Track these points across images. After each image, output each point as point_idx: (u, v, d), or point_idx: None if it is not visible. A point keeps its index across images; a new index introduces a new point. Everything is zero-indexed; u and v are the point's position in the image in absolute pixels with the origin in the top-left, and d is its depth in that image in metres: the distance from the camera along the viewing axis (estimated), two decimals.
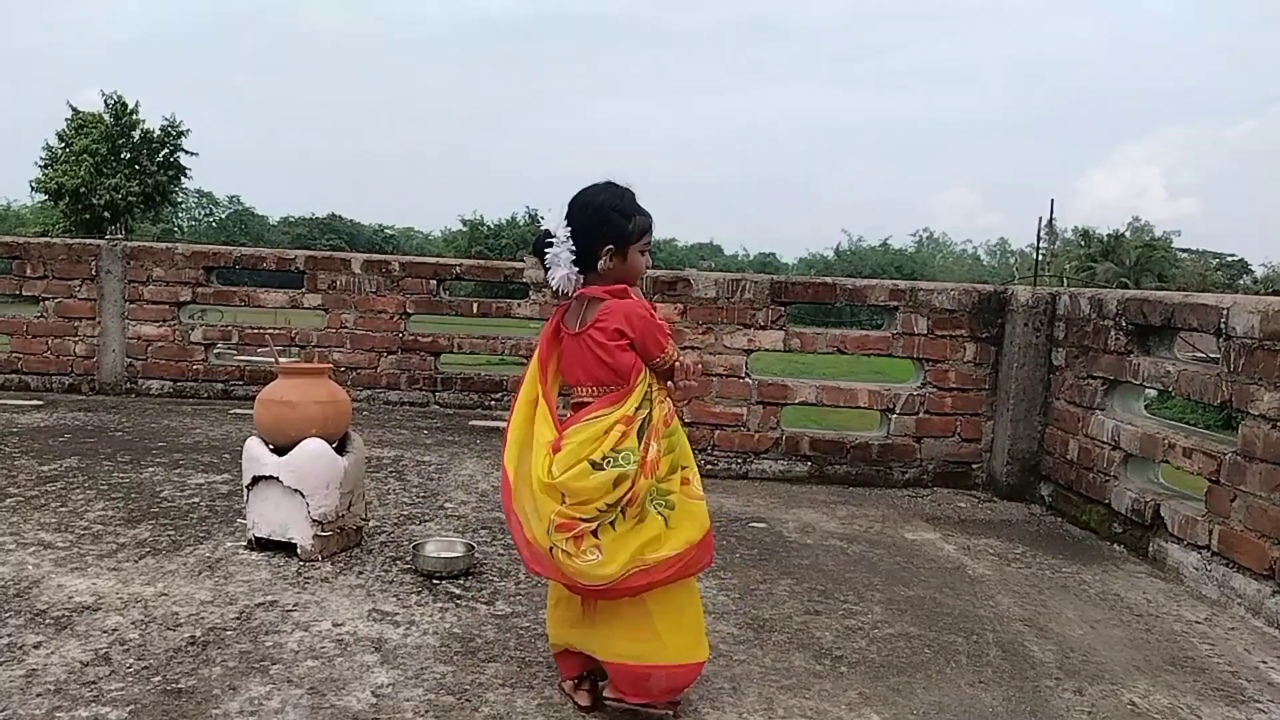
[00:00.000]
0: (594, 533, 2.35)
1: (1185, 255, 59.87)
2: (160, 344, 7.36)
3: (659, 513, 2.41)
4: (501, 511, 4.49)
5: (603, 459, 2.34)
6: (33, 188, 44.02)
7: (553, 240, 2.49)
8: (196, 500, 4.41)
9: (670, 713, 2.52)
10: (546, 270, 2.52)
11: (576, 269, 2.49)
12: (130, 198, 42.99)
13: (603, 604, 2.45)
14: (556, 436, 2.41)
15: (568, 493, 2.34)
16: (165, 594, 3.24)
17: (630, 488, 2.34)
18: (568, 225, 2.48)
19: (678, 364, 2.51)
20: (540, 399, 2.50)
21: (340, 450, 3.73)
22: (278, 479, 3.61)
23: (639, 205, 2.54)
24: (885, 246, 79.49)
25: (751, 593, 3.61)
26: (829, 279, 5.95)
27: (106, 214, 42.18)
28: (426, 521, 4.27)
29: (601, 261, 2.49)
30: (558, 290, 2.53)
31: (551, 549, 2.36)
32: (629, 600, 2.41)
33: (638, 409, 2.40)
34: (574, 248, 2.47)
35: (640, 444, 2.38)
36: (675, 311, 5.53)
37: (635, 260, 2.54)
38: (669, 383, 2.53)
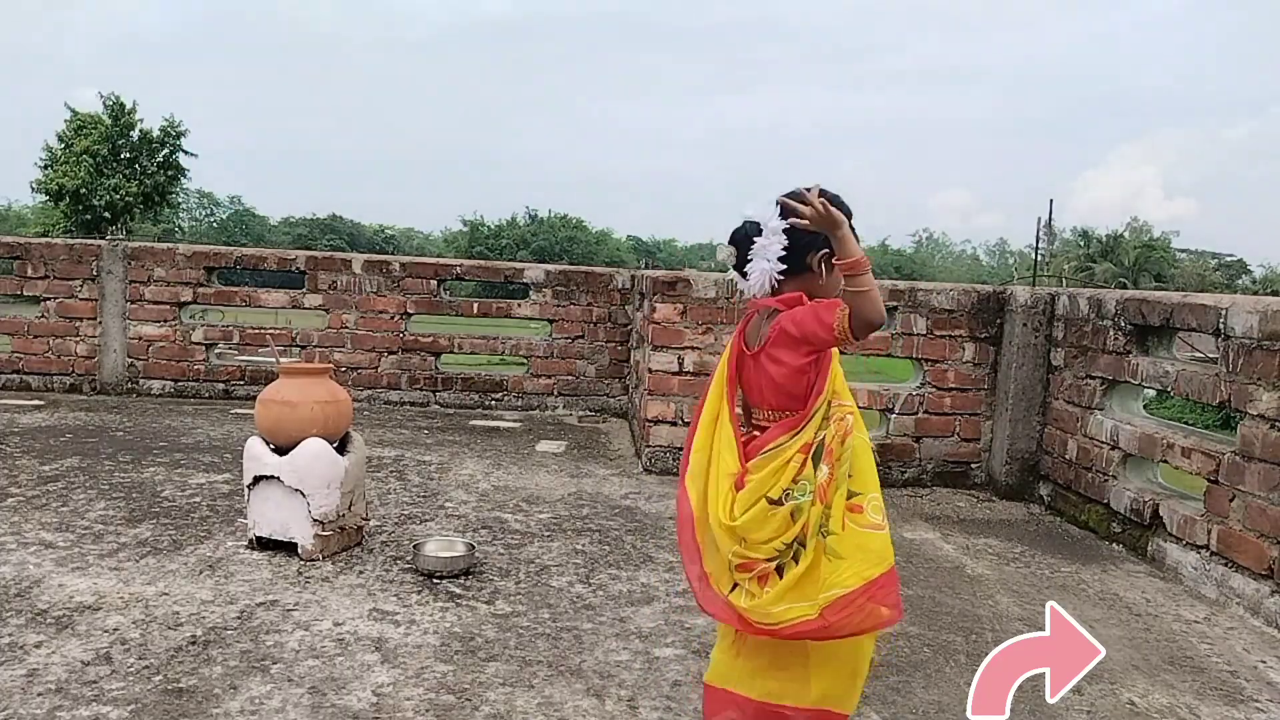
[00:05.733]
0: (778, 571, 2.12)
1: (1184, 255, 59.86)
2: (161, 344, 7.37)
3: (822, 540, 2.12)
4: (501, 511, 4.51)
5: (782, 494, 2.12)
6: (33, 189, 44.05)
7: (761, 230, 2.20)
8: (197, 500, 4.42)
9: None
10: (743, 265, 2.24)
11: (782, 266, 2.19)
12: (130, 198, 43.00)
13: (757, 639, 2.19)
14: (740, 470, 2.18)
15: (746, 535, 2.14)
16: (166, 593, 3.25)
17: (805, 519, 2.11)
18: (783, 218, 2.17)
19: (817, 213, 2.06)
20: (724, 420, 2.23)
21: (341, 450, 3.74)
22: (279, 479, 3.61)
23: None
24: (884, 247, 79.46)
25: None
26: None
27: (107, 214, 42.19)
28: (427, 521, 4.28)
29: (813, 264, 2.20)
30: (746, 290, 2.26)
31: (735, 587, 2.15)
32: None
33: (816, 432, 2.14)
34: (786, 243, 2.18)
35: (815, 470, 2.12)
36: (675, 311, 5.54)
37: (835, 281, 2.15)
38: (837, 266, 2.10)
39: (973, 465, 5.63)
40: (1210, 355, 4.28)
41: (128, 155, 44.07)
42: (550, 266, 7.89)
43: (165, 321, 7.36)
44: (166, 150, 45.31)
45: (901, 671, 2.99)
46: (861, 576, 2.06)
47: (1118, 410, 4.83)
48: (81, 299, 7.34)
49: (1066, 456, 5.10)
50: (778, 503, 2.11)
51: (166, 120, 45.26)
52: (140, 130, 44.52)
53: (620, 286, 7.60)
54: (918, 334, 5.60)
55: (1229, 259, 64.44)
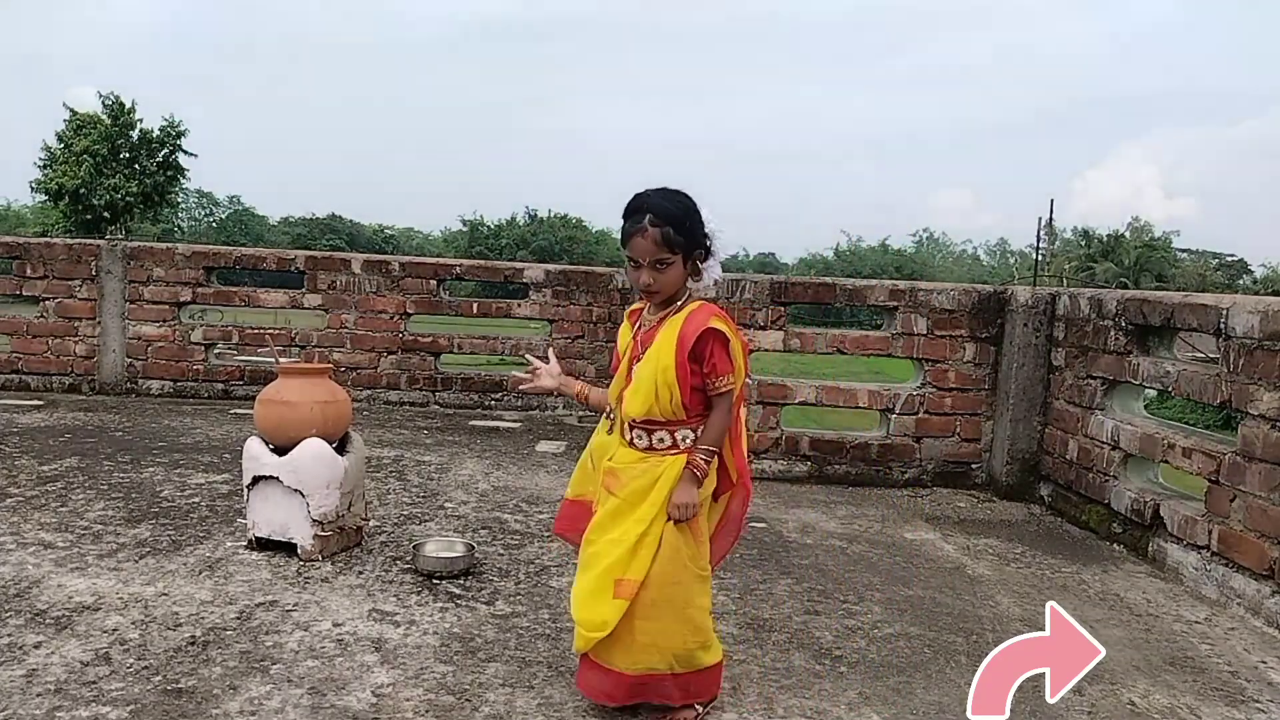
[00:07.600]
0: None
1: (1184, 255, 59.88)
2: (160, 344, 7.36)
3: None
4: (501, 511, 4.51)
5: None
6: (33, 188, 44.06)
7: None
8: (197, 500, 4.41)
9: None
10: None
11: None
12: (129, 198, 43.00)
13: None
14: None
15: None
16: (165, 594, 3.24)
17: None
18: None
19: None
20: None
21: (340, 450, 3.74)
22: (278, 479, 3.61)
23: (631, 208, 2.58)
24: (885, 247, 79.19)
25: (751, 592, 3.62)
26: (828, 279, 5.95)
27: (106, 214, 42.21)
28: (426, 521, 4.27)
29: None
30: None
31: None
32: None
33: None
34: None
35: None
36: None
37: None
38: None
39: (973, 465, 5.63)
40: (1211, 355, 4.28)
41: (127, 155, 44.08)
42: (550, 266, 7.89)
43: (164, 321, 7.36)
44: (166, 150, 45.31)
45: (902, 672, 2.98)
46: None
47: (1118, 410, 4.82)
48: (80, 299, 7.33)
49: (1067, 457, 5.09)
50: None
51: (166, 120, 45.31)
52: (140, 130, 44.54)
53: (620, 286, 7.58)
54: (918, 334, 5.60)
55: (1230, 259, 64.42)
